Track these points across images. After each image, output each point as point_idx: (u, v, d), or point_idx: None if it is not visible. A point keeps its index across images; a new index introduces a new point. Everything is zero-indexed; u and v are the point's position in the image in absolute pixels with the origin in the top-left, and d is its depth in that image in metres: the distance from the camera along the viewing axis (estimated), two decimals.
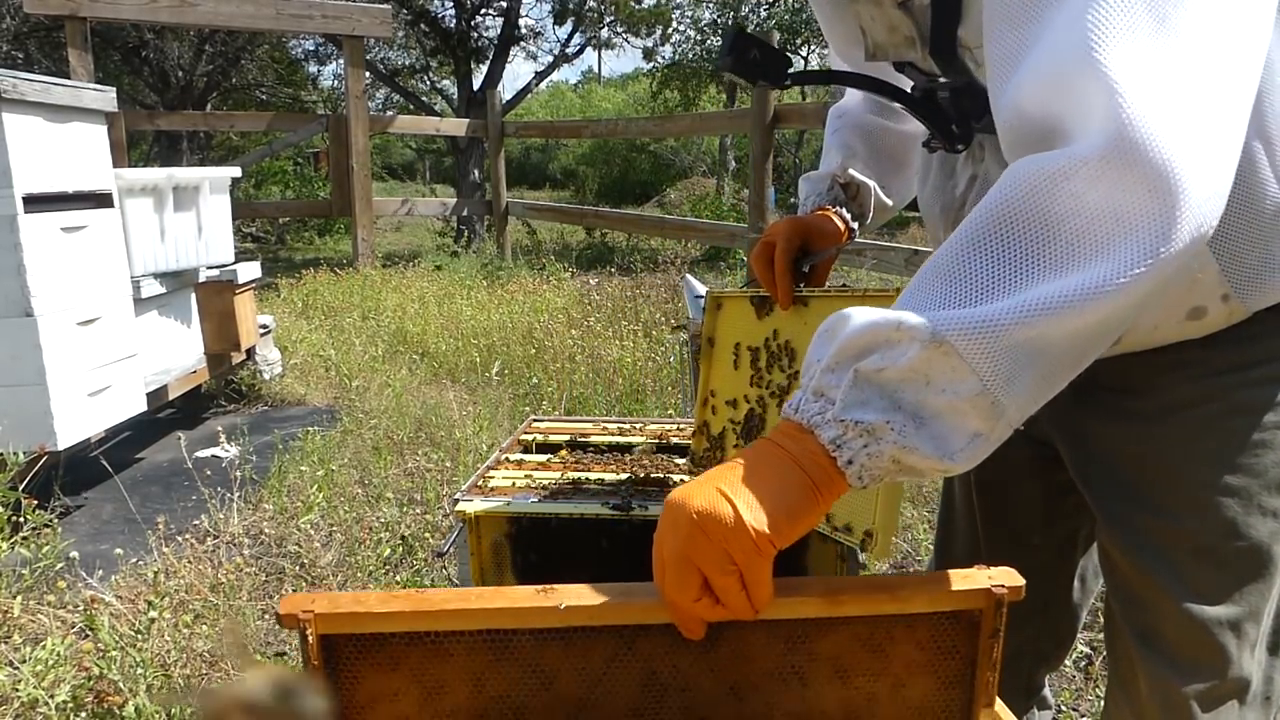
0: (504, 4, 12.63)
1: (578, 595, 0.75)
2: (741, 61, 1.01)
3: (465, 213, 10.55)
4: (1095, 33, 0.66)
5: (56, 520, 2.58)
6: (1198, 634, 0.96)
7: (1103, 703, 1.15)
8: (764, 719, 0.79)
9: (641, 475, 1.51)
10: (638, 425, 1.82)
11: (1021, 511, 1.20)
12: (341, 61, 9.26)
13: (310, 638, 0.74)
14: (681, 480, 1.48)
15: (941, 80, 0.97)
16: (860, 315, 0.70)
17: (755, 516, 0.68)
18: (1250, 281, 0.88)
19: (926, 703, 0.81)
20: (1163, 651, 0.99)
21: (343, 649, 0.76)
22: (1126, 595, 1.03)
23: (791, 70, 1.04)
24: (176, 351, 4.18)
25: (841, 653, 0.78)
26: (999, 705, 0.84)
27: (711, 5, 16.57)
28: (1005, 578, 0.78)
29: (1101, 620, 2.02)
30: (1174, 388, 0.94)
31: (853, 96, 1.33)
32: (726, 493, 0.69)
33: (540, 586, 0.76)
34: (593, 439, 1.75)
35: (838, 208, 1.24)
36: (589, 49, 15.47)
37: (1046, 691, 1.56)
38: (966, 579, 0.78)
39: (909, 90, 1.04)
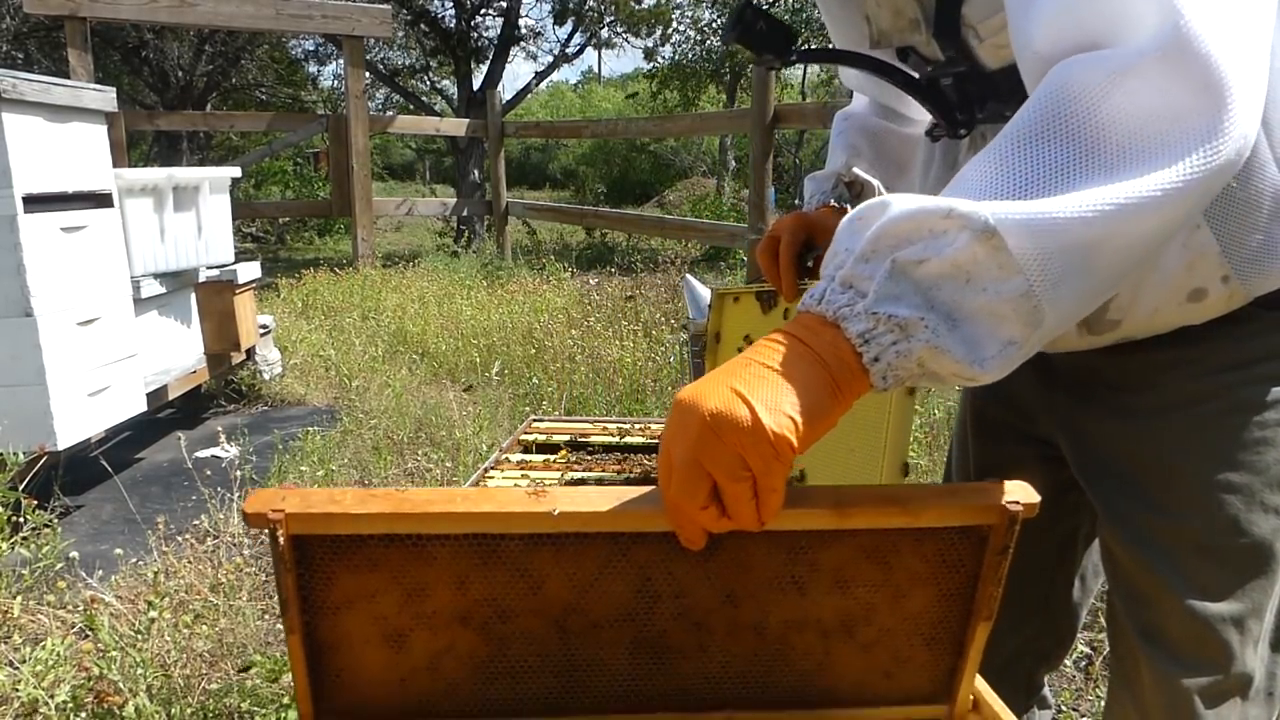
0: (504, 4, 12.63)
1: (572, 500, 0.70)
2: (748, 33, 0.98)
3: (465, 213, 10.55)
4: None
5: (56, 520, 2.58)
6: (1201, 630, 0.96)
7: (1105, 701, 1.15)
8: (758, 626, 0.78)
9: (641, 475, 1.51)
10: (638, 425, 1.82)
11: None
12: (341, 61, 9.27)
13: (281, 539, 0.69)
14: None
15: (945, 66, 0.97)
16: (902, 201, 0.64)
17: (775, 419, 0.62)
18: (1250, 264, 0.88)
19: (925, 613, 0.79)
20: (1166, 648, 0.99)
21: (316, 549, 0.71)
22: (1129, 592, 1.03)
23: (797, 47, 1.01)
24: (176, 351, 4.18)
25: (844, 564, 0.76)
26: (999, 705, 0.85)
27: (711, 5, 16.56)
28: (1021, 493, 0.73)
29: (1102, 620, 2.02)
30: (1175, 385, 0.95)
31: (859, 101, 1.35)
32: (742, 392, 0.62)
33: (532, 489, 0.72)
34: (593, 439, 1.75)
35: (842, 205, 1.25)
36: (589, 49, 15.47)
37: (1046, 691, 1.56)
38: (981, 493, 0.74)
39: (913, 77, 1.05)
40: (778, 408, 0.62)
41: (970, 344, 0.64)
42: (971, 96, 0.97)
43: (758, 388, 0.63)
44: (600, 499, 0.71)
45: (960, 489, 0.76)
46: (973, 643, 0.80)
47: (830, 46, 1.12)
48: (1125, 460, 0.99)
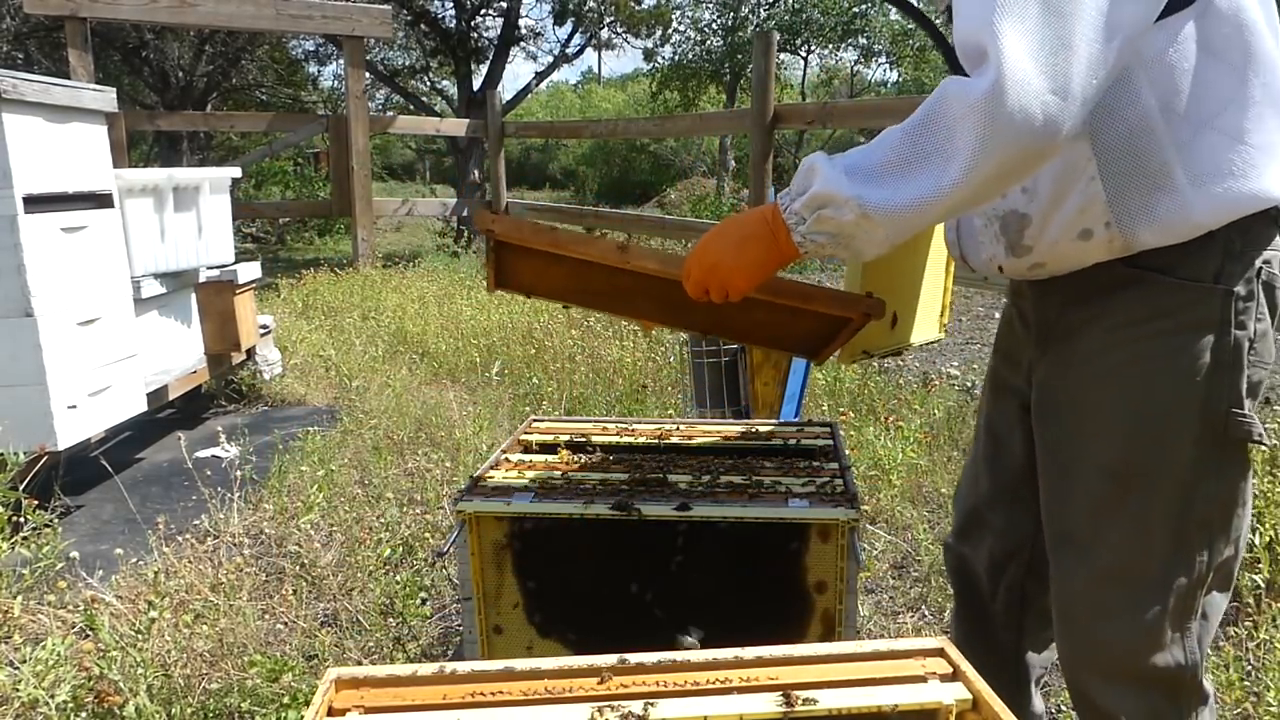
0: (504, 4, 12.63)
1: (642, 257, 1.38)
2: None
3: (465, 213, 10.55)
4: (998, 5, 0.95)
5: (56, 520, 2.58)
6: (1092, 533, 1.19)
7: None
8: (721, 316, 1.47)
9: (641, 475, 1.51)
10: (638, 425, 1.83)
11: (1013, 460, 1.38)
12: (341, 62, 9.27)
13: (491, 240, 1.45)
14: (678, 482, 1.49)
15: (946, 18, 1.16)
16: (822, 179, 1.08)
17: (734, 277, 1.21)
18: (1129, 217, 1.09)
19: (807, 332, 1.51)
20: (1072, 544, 1.21)
21: (505, 247, 1.48)
22: (1049, 514, 1.26)
23: None
24: (176, 352, 4.18)
25: (774, 313, 1.43)
26: (998, 705, 0.85)
27: (711, 5, 16.57)
28: (874, 304, 1.40)
29: None
30: (1091, 337, 1.16)
31: None
32: (731, 268, 1.20)
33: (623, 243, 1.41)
34: (593, 439, 1.75)
35: None
36: (589, 49, 15.47)
37: (1038, 703, 1.59)
38: (846, 300, 1.42)
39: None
40: (739, 270, 1.20)
41: (853, 239, 1.09)
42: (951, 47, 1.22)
43: (734, 267, 1.20)
44: (662, 258, 1.38)
45: (837, 296, 1.43)
46: (833, 348, 1.53)
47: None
48: (1060, 398, 1.21)
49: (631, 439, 1.75)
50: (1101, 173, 1.08)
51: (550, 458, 1.66)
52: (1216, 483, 1.13)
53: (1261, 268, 1.09)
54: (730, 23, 16.87)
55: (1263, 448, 1.15)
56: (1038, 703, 1.57)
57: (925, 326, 1.84)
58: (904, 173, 1.02)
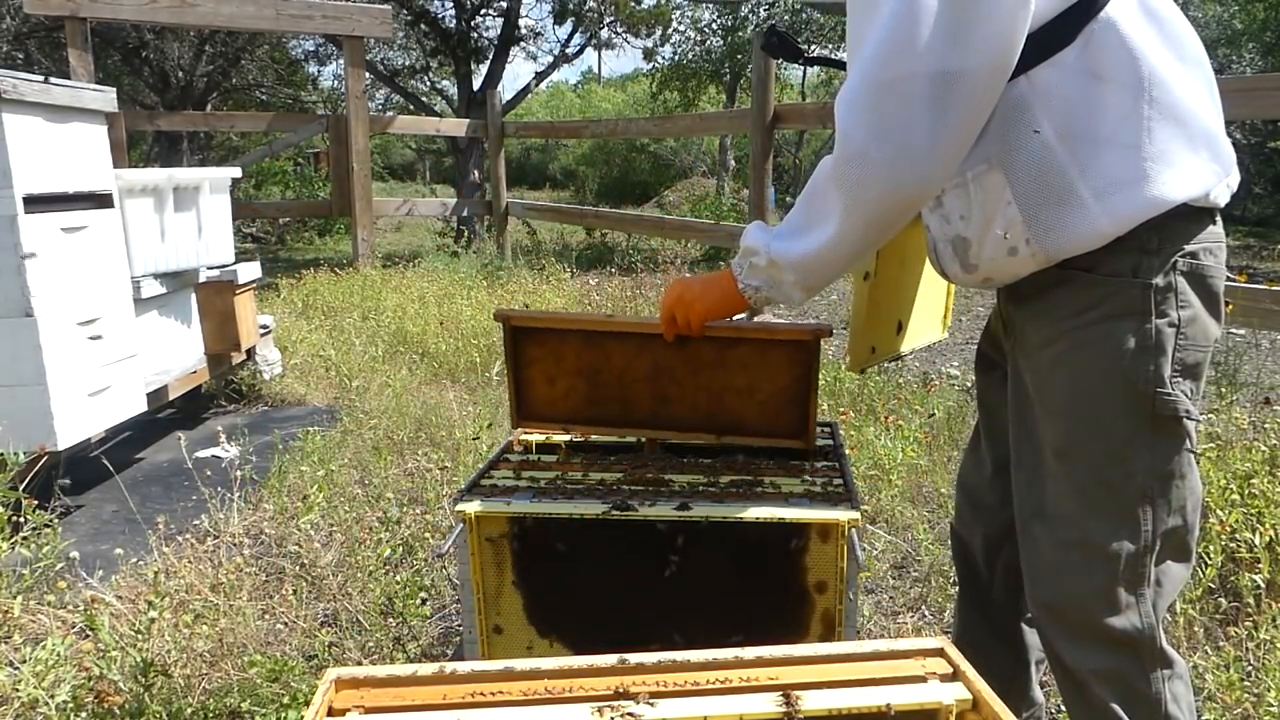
0: (504, 4, 12.62)
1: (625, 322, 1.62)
2: (768, 47, 1.59)
3: (465, 213, 10.55)
4: (847, 85, 1.17)
5: (56, 520, 2.58)
6: (1056, 503, 1.30)
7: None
8: (709, 387, 1.60)
9: (641, 475, 1.51)
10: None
11: (1004, 432, 1.47)
12: (341, 62, 9.27)
13: (504, 330, 1.63)
14: (678, 482, 1.49)
15: None
16: (750, 237, 1.37)
17: (696, 305, 1.48)
18: (1045, 233, 1.22)
19: (787, 388, 1.59)
20: (1043, 516, 1.32)
21: (522, 336, 1.63)
22: (1019, 482, 1.37)
23: (807, 54, 1.66)
24: (176, 352, 4.18)
25: (744, 357, 1.57)
26: (998, 705, 0.85)
27: (711, 6, 16.57)
28: (818, 329, 1.55)
29: None
30: (1039, 330, 1.30)
31: None
32: (693, 299, 1.48)
33: (607, 314, 1.79)
34: (593, 439, 1.75)
35: None
36: (589, 49, 15.46)
37: (1036, 692, 1.61)
38: (802, 330, 1.56)
39: None
40: (704, 311, 1.48)
41: (775, 287, 1.36)
42: None
43: (696, 297, 1.48)
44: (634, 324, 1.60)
45: (791, 328, 1.58)
46: (812, 404, 1.58)
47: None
48: (1024, 385, 1.34)
49: (632, 439, 1.75)
50: (1016, 198, 1.22)
51: (550, 457, 1.66)
52: (1151, 457, 1.24)
53: (1178, 260, 1.21)
54: (730, 23, 16.87)
55: (1192, 424, 1.24)
56: (1038, 690, 1.66)
57: (930, 329, 1.93)
58: (803, 231, 1.29)
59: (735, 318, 1.51)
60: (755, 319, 1.62)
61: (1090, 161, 1.18)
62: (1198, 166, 1.19)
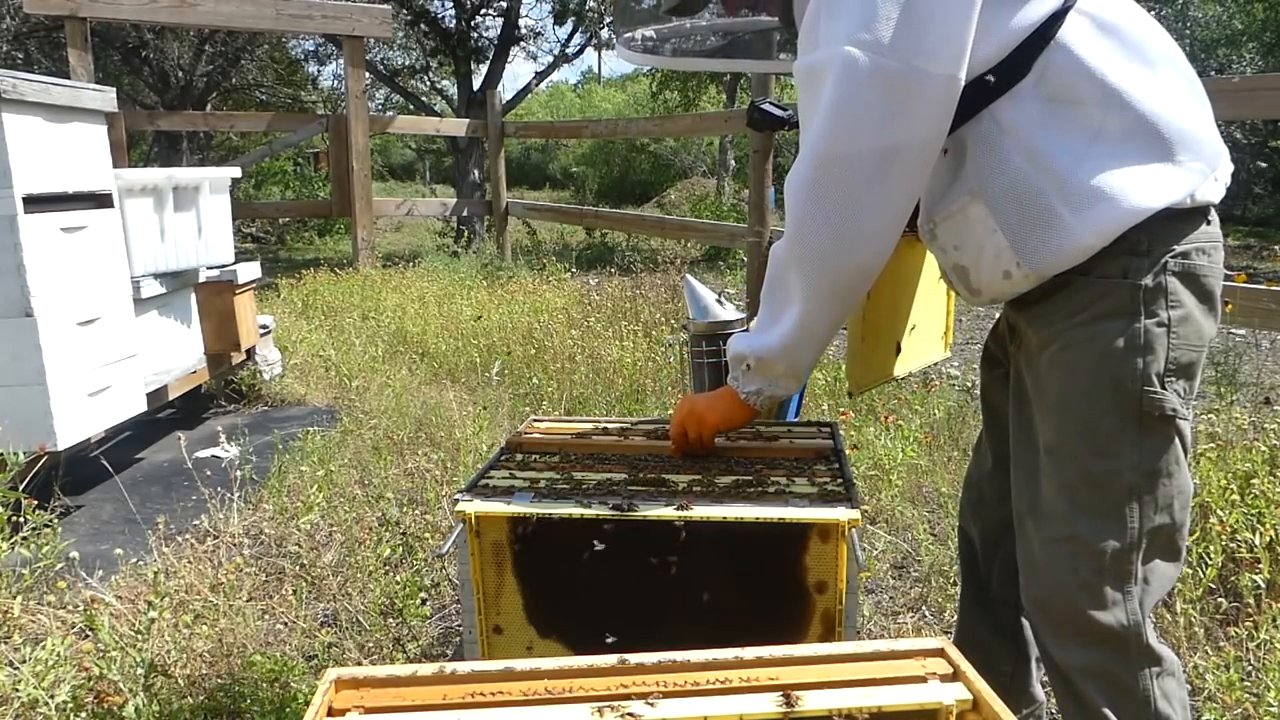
0: (504, 4, 12.62)
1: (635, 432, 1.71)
2: (750, 122, 1.89)
3: (465, 213, 10.55)
4: (795, 167, 1.26)
5: (56, 520, 2.58)
6: (1050, 498, 1.32)
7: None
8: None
9: (641, 475, 1.51)
10: (638, 425, 1.82)
11: (1005, 429, 1.49)
12: (341, 61, 9.27)
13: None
14: (678, 482, 1.49)
15: None
16: (733, 347, 1.45)
17: (709, 423, 1.51)
18: (1031, 255, 1.25)
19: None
20: (1039, 514, 1.34)
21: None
22: (1017, 480, 1.39)
23: (789, 119, 1.84)
24: (176, 351, 4.18)
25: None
26: (998, 705, 0.85)
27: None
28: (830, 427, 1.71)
29: None
30: (1038, 332, 1.32)
31: None
32: (704, 412, 1.51)
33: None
34: (593, 439, 1.75)
35: None
36: (589, 49, 15.45)
37: (1037, 689, 1.66)
38: (812, 430, 1.73)
39: None
40: (714, 423, 1.52)
41: (771, 382, 1.43)
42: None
43: (707, 410, 1.51)
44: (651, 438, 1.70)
45: (801, 423, 1.78)
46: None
47: None
48: (1026, 383, 1.37)
49: (631, 439, 1.75)
50: (1000, 225, 1.27)
51: (550, 457, 1.66)
52: (1138, 455, 1.25)
53: (1169, 261, 1.22)
54: None
55: (1183, 423, 1.25)
56: (1039, 688, 1.67)
57: (931, 348, 1.95)
58: (774, 321, 1.36)
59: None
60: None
61: (1065, 181, 1.21)
62: (1174, 171, 1.20)
